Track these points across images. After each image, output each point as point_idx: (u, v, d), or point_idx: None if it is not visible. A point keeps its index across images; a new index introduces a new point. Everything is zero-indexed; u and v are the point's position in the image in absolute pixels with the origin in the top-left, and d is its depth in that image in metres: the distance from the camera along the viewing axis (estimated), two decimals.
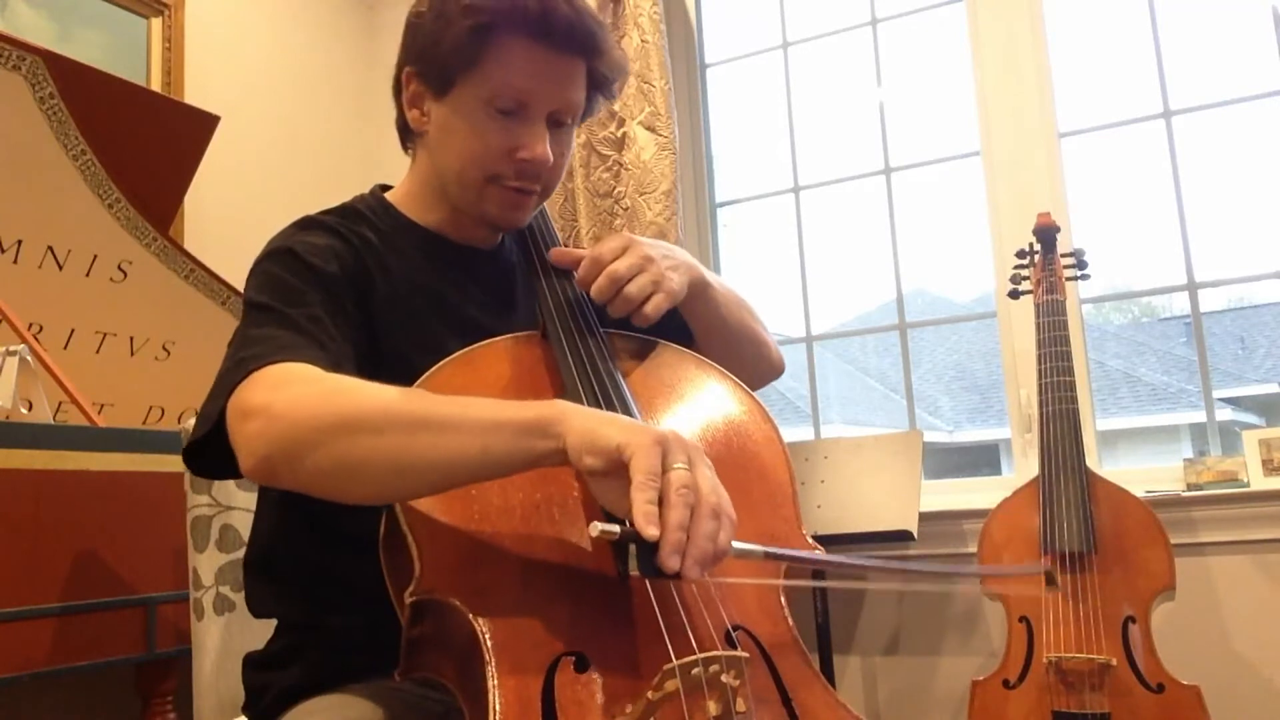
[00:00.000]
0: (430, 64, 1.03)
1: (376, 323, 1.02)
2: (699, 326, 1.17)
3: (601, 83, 1.08)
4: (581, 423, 0.76)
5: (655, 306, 1.01)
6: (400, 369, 0.97)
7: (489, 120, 1.01)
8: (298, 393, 0.83)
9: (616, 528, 0.71)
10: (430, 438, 0.78)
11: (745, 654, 0.74)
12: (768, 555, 0.79)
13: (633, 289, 1.01)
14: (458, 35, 0.99)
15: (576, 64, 1.03)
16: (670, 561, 0.70)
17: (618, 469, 0.73)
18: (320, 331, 0.93)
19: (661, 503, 0.72)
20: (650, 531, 0.70)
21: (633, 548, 0.73)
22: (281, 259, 1.00)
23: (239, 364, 0.88)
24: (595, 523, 0.71)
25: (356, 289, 1.01)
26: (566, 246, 1.18)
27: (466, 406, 0.81)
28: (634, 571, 0.73)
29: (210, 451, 0.89)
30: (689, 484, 0.73)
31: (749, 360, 1.21)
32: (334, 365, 0.89)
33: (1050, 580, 0.99)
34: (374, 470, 0.80)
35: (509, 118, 1.01)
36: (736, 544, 0.76)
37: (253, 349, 0.89)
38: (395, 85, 1.09)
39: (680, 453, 0.75)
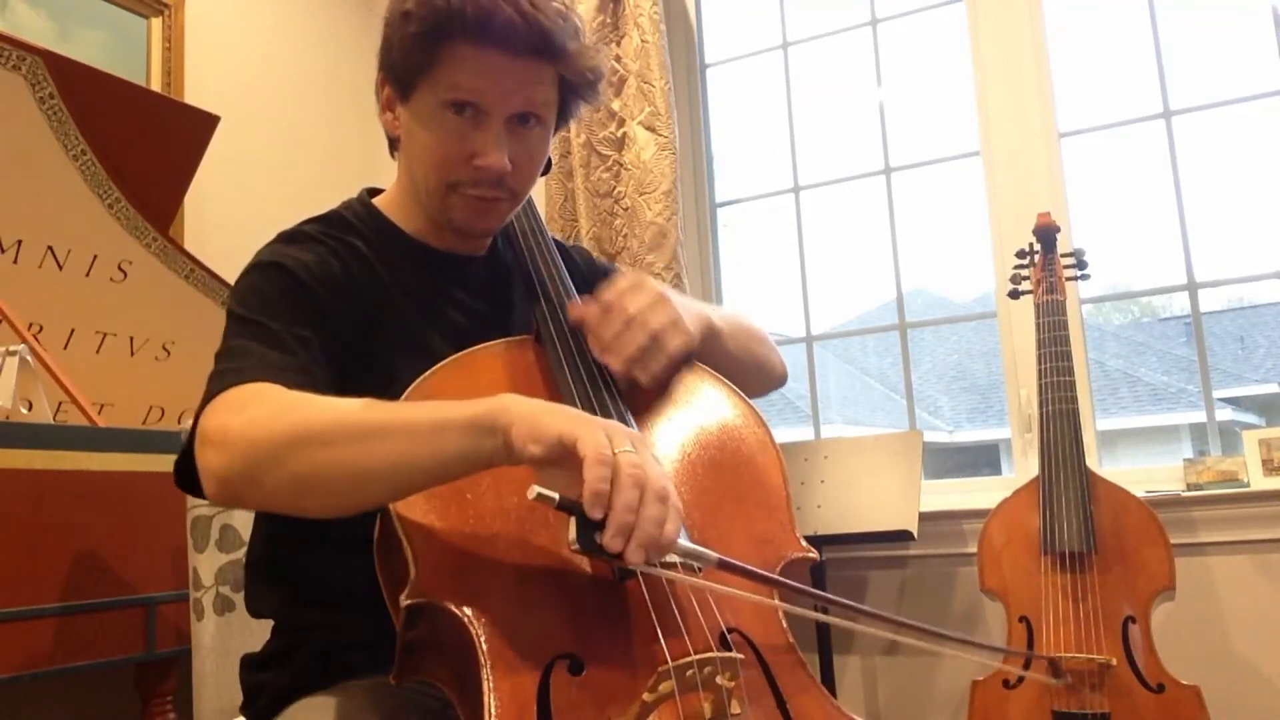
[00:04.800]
0: (392, 68, 1.03)
1: (367, 330, 1.01)
2: (709, 365, 1.16)
3: (576, 85, 1.04)
4: (523, 413, 0.75)
5: (676, 349, 0.98)
6: (391, 376, 0.97)
7: (446, 125, 1.00)
8: (252, 414, 0.83)
9: (554, 492, 0.70)
10: (381, 445, 0.78)
11: (740, 655, 0.74)
12: (722, 564, 0.77)
13: (652, 327, 0.97)
14: (406, 41, 0.98)
15: (532, 66, 0.99)
16: (614, 543, 0.69)
17: (560, 457, 0.73)
18: (304, 351, 0.93)
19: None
20: (595, 514, 0.70)
21: (573, 519, 0.71)
22: (271, 273, 0.98)
23: (214, 378, 0.89)
24: (533, 485, 0.70)
25: (346, 302, 1.00)
26: (561, 249, 1.18)
27: (416, 411, 0.81)
28: (572, 540, 0.71)
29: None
30: (639, 464, 0.72)
31: (754, 380, 1.20)
32: (313, 387, 0.87)
33: (1057, 672, 0.97)
34: (331, 482, 0.80)
35: (466, 123, 0.99)
36: (685, 542, 0.74)
37: (232, 362, 0.89)
38: (376, 89, 1.09)
39: (624, 439, 0.74)
